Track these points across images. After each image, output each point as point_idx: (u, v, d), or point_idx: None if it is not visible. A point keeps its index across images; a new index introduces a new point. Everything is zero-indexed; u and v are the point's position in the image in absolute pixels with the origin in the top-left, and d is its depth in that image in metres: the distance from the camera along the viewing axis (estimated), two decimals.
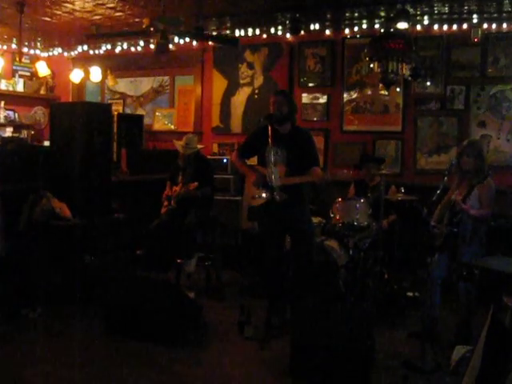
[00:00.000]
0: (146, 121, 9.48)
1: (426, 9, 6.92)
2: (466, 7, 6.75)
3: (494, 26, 7.05)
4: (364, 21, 7.50)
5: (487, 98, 7.26)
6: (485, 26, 7.06)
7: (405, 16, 6.43)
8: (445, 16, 7.10)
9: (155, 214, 6.97)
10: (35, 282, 5.87)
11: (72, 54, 10.14)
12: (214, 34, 8.12)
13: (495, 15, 6.90)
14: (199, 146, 7.19)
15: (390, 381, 4.38)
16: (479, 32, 7.04)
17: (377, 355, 4.60)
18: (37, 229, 6.05)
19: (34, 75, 10.12)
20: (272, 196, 5.12)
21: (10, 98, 9.79)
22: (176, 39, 8.44)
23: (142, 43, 9.13)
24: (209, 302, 6.20)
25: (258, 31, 8.18)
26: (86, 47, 9.68)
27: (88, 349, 5.00)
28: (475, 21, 7.00)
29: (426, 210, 5.31)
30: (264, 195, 5.27)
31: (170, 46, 8.62)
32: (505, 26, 7.01)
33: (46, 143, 8.52)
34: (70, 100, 10.33)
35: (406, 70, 6.28)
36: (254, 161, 5.70)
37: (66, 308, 5.87)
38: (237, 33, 8.22)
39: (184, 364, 4.70)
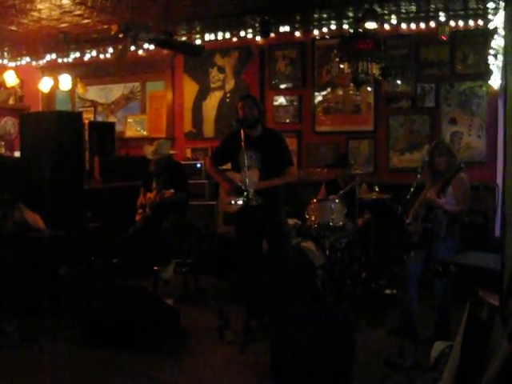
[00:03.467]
0: (118, 128, 9.42)
1: (394, 8, 6.97)
2: (432, 5, 6.81)
3: (461, 23, 7.11)
4: (333, 22, 7.51)
5: (457, 95, 7.33)
6: (452, 23, 7.11)
7: (373, 16, 6.47)
8: (412, 15, 7.15)
9: (130, 221, 6.93)
10: (10, 295, 5.78)
11: (40, 62, 10.01)
12: (179, 40, 8.05)
13: (462, 13, 6.96)
14: (171, 152, 7.16)
15: (371, 379, 4.40)
16: (447, 30, 7.09)
17: (357, 354, 4.60)
18: (10, 241, 5.97)
19: (1, 85, 10.00)
20: (247, 200, 5.12)
21: None
22: (146, 45, 8.39)
23: (111, 50, 9.06)
24: (188, 308, 6.18)
25: (227, 35, 8.16)
26: (54, 55, 9.57)
27: (67, 359, 4.95)
28: (442, 19, 7.05)
29: (400, 208, 5.35)
30: (239, 202, 5.26)
31: (140, 51, 8.65)
32: (471, 23, 7.07)
33: (17, 154, 8.42)
34: (40, 109, 10.22)
35: (375, 70, 6.32)
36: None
37: (43, 320, 5.79)
38: (206, 37, 8.19)
39: (165, 371, 4.66)
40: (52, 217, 6.33)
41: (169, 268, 6.77)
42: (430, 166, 5.23)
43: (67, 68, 9.54)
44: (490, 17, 6.73)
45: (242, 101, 5.49)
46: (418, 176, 5.24)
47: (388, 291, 6.34)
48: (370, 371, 4.53)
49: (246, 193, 5.13)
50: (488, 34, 6.73)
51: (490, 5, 6.51)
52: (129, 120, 9.66)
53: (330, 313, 4.76)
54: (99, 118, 9.99)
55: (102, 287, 5.89)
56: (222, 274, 7.28)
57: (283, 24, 7.69)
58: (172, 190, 6.61)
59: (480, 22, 7.03)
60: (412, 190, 5.17)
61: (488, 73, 6.85)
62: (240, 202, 5.26)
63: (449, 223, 5.01)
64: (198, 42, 8.33)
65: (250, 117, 5.34)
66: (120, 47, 6.03)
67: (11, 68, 9.92)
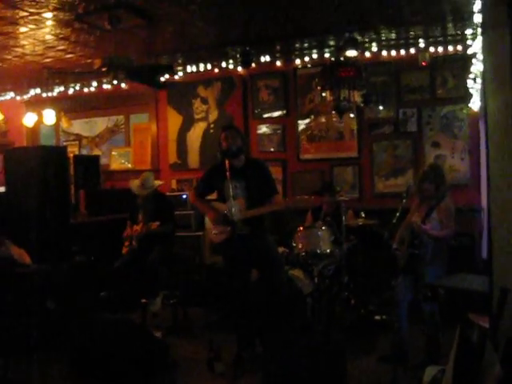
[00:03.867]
0: (103, 161, 9.41)
1: (374, 36, 7.07)
2: (412, 32, 6.91)
3: (440, 49, 7.22)
4: (314, 50, 7.61)
5: (439, 119, 7.42)
6: (431, 49, 7.22)
7: (353, 44, 6.54)
8: (392, 42, 7.26)
9: (117, 254, 6.89)
10: None
11: (25, 97, 10.04)
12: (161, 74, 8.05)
13: (441, 39, 7.07)
14: (157, 183, 7.17)
15: None
16: (427, 56, 7.20)
17: (349, 382, 4.57)
18: None
19: None
20: (234, 230, 5.13)
21: None
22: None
23: (94, 83, 9.10)
24: (177, 340, 6.12)
25: (209, 66, 8.24)
26: (38, 90, 9.60)
27: None
28: (422, 45, 7.17)
29: (386, 234, 5.36)
30: (224, 230, 5.26)
31: (123, 84, 8.68)
32: (451, 48, 7.19)
33: (2, 189, 8.38)
34: (25, 144, 10.21)
35: (357, 97, 6.38)
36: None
37: (30, 356, 5.72)
38: (188, 69, 8.26)
39: None
40: (38, 251, 6.29)
41: (157, 300, 6.72)
42: (418, 189, 5.23)
43: (51, 102, 9.55)
44: (468, 42, 6.87)
45: (225, 131, 5.51)
46: (404, 201, 5.26)
47: (378, 317, 6.32)
48: None
49: (232, 222, 5.14)
50: (467, 59, 6.84)
51: (468, 31, 6.65)
52: (113, 153, 9.66)
53: (320, 342, 4.74)
54: (84, 152, 9.98)
55: (89, 321, 5.82)
56: (211, 304, 7.23)
57: (264, 54, 7.77)
58: (158, 222, 6.60)
59: (459, 48, 7.17)
60: (398, 214, 5.18)
61: (468, 96, 6.95)
62: (224, 230, 5.26)
63: (435, 247, 5.02)
64: (180, 74, 8.40)
65: (233, 147, 5.35)
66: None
67: None
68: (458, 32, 6.86)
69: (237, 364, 5.13)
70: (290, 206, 5.32)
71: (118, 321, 5.89)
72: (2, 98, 10.14)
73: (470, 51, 6.82)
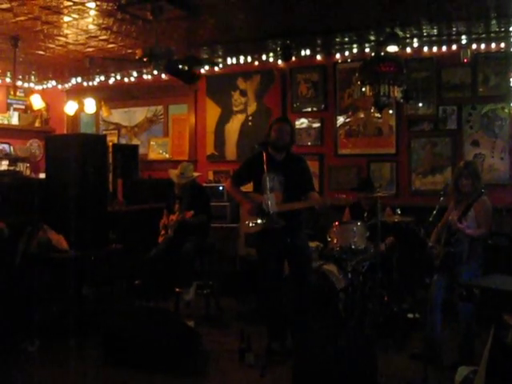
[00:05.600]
0: (141, 150, 9.51)
1: (416, 31, 6.99)
2: (454, 28, 6.82)
3: (482, 46, 7.13)
4: (354, 45, 7.57)
5: (479, 117, 7.31)
6: (474, 46, 7.14)
7: (394, 39, 6.49)
8: (434, 38, 7.17)
9: (153, 243, 6.96)
10: (33, 315, 5.83)
11: (66, 86, 10.22)
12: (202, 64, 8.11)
13: (483, 35, 6.97)
14: (195, 174, 7.21)
15: None
16: (468, 52, 7.12)
17: (379, 379, 4.56)
18: (34, 261, 6.03)
19: (28, 108, 10.19)
20: (269, 222, 5.14)
21: (4, 132, 9.82)
22: None
23: (135, 74, 9.20)
24: (209, 330, 6.17)
25: (249, 59, 8.25)
26: (79, 79, 9.76)
27: (88, 380, 4.98)
28: (464, 41, 7.08)
29: (423, 231, 5.32)
30: (260, 221, 5.28)
31: (163, 75, 8.75)
32: (493, 45, 7.09)
33: (42, 175, 8.53)
34: (65, 132, 10.38)
35: (397, 93, 6.32)
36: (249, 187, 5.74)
37: (65, 340, 5.82)
38: (228, 61, 8.29)
39: None
40: (76, 238, 6.38)
41: (190, 290, 6.77)
42: (455, 186, 5.20)
43: (92, 91, 9.68)
44: (511, 40, 6.74)
45: (280, 123, 5.51)
46: (441, 198, 5.22)
47: (411, 315, 6.28)
48: None
49: (268, 214, 5.15)
50: (510, 57, 6.74)
51: None
52: (152, 143, 9.75)
53: (351, 337, 4.73)
54: (123, 141, 10.09)
55: (124, 308, 5.91)
56: (244, 296, 7.27)
57: (304, 48, 7.75)
58: (192, 212, 6.65)
59: (502, 45, 7.05)
60: (435, 212, 5.14)
61: (510, 95, 6.84)
62: (259, 222, 5.28)
63: (471, 246, 4.97)
64: (220, 66, 8.44)
65: (281, 142, 5.36)
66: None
67: (37, 91, 10.11)
68: (502, 29, 6.74)
69: (267, 356, 5.16)
70: (327, 204, 5.30)
71: (152, 309, 5.97)
72: (45, 87, 10.33)
73: None
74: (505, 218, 6.70)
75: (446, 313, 5.13)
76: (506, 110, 7.15)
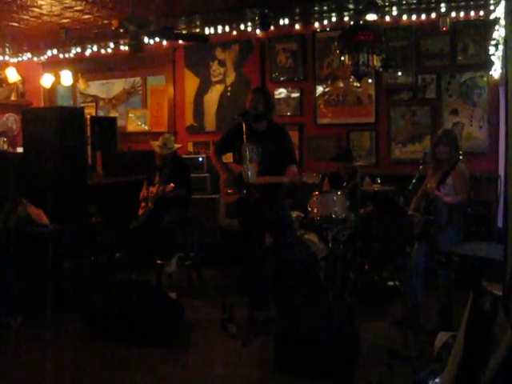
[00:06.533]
0: (120, 123, 9.41)
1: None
2: None
3: (462, 14, 7.12)
4: (333, 14, 7.53)
5: (458, 86, 7.32)
6: (453, 14, 7.12)
7: (373, 8, 6.46)
8: (413, 6, 7.16)
9: (133, 215, 6.95)
10: (14, 291, 5.81)
11: (42, 58, 10.04)
12: (184, 32, 8.09)
13: (463, 3, 6.96)
14: (176, 146, 7.18)
15: (375, 370, 4.41)
16: (447, 21, 7.10)
17: (361, 346, 4.62)
18: (14, 236, 5.99)
19: (3, 81, 10.02)
20: (247, 193, 5.14)
21: None
22: (146, 39, 8.39)
23: (112, 45, 9.08)
24: (191, 301, 6.19)
25: (227, 28, 8.18)
26: (55, 51, 9.60)
27: (72, 354, 4.97)
28: (443, 10, 7.06)
29: (402, 200, 5.36)
30: (237, 192, 5.31)
31: None
32: (472, 13, 7.07)
33: (20, 149, 8.44)
34: (42, 105, 10.24)
35: (376, 62, 6.32)
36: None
37: (47, 315, 5.82)
38: (206, 31, 8.21)
39: (170, 365, 4.68)
40: (55, 212, 6.34)
41: (172, 262, 6.79)
42: (432, 155, 5.23)
43: (68, 63, 9.55)
44: (491, 7, 6.73)
45: (252, 93, 5.50)
46: (420, 167, 5.26)
47: (391, 283, 6.35)
48: (374, 362, 4.55)
49: (245, 185, 5.15)
50: (489, 25, 6.74)
51: None
52: (130, 115, 9.66)
53: (333, 305, 4.78)
54: (101, 113, 10.00)
55: (105, 281, 5.91)
56: (225, 266, 7.30)
57: (283, 17, 7.70)
58: (172, 185, 6.62)
59: (481, 13, 7.04)
60: (414, 181, 5.18)
61: (489, 63, 6.84)
62: (235, 193, 5.32)
63: (449, 214, 5.01)
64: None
65: (253, 111, 5.35)
66: (133, 42, 6.05)
67: (13, 64, 9.95)
68: None
69: (250, 326, 5.19)
70: (298, 181, 5.32)
71: (134, 281, 5.98)
72: (20, 59, 10.15)
73: (492, 16, 6.71)
74: (483, 186, 6.75)
75: (426, 280, 5.18)
76: (485, 79, 7.16)
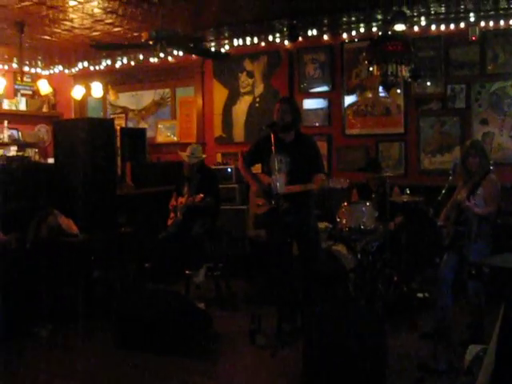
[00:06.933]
0: (149, 134, 9.49)
1: (423, 10, 6.95)
2: (462, 6, 6.76)
3: (491, 23, 7.06)
4: (361, 24, 7.52)
5: (488, 96, 7.26)
6: (482, 23, 7.07)
7: (402, 18, 6.43)
8: (442, 16, 7.12)
9: (162, 226, 6.99)
10: (44, 300, 5.87)
11: (73, 70, 10.20)
12: (209, 46, 8.14)
13: (492, 13, 6.91)
14: (203, 156, 7.22)
15: (404, 383, 4.37)
16: (477, 30, 7.05)
17: (390, 358, 4.58)
18: (45, 246, 6.07)
19: (35, 93, 10.19)
20: (276, 204, 5.14)
21: (13, 117, 9.82)
22: (175, 51, 8.50)
23: (141, 57, 9.18)
24: (219, 312, 6.21)
25: (256, 40, 8.22)
26: (86, 63, 9.76)
27: (100, 363, 5.02)
28: (472, 19, 7.02)
29: (432, 211, 5.32)
30: (266, 203, 5.31)
31: (170, 58, 8.75)
32: (502, 22, 7.01)
33: (51, 160, 8.55)
34: (73, 116, 10.38)
35: (405, 72, 6.28)
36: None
37: (76, 324, 5.87)
38: (235, 42, 8.26)
39: (196, 375, 4.68)
40: (85, 222, 6.41)
41: (200, 272, 6.80)
42: (462, 166, 5.19)
43: (99, 75, 9.69)
44: None
45: (279, 103, 5.51)
46: (450, 178, 5.22)
47: (420, 294, 6.29)
48: (402, 375, 4.51)
49: (274, 196, 5.16)
50: None
51: None
52: (159, 126, 9.74)
53: (362, 316, 4.74)
54: (130, 124, 10.08)
55: (134, 291, 5.94)
56: (253, 277, 7.30)
57: (311, 28, 7.72)
58: (202, 195, 6.65)
59: (511, 22, 6.98)
60: (443, 191, 5.14)
61: None
62: (265, 205, 5.32)
63: (479, 225, 4.96)
64: (227, 47, 8.41)
65: (281, 121, 5.35)
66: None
67: (44, 76, 10.12)
68: (511, 5, 6.68)
69: (277, 336, 5.18)
70: (325, 187, 5.29)
71: (163, 291, 6.00)
72: (51, 72, 10.33)
73: None
74: None
75: (456, 292, 5.13)
76: None
